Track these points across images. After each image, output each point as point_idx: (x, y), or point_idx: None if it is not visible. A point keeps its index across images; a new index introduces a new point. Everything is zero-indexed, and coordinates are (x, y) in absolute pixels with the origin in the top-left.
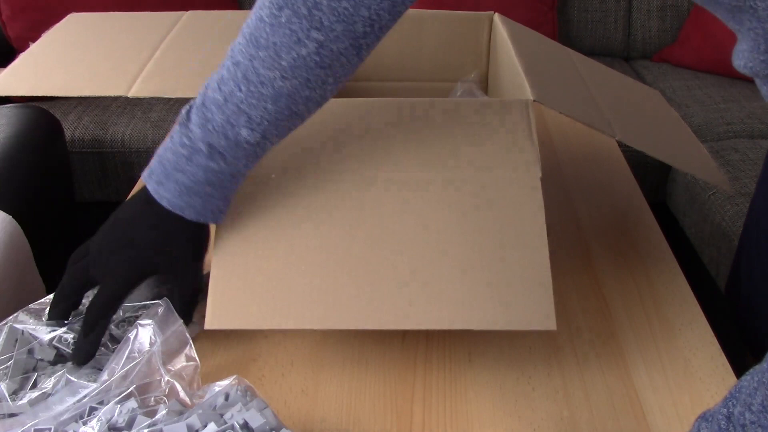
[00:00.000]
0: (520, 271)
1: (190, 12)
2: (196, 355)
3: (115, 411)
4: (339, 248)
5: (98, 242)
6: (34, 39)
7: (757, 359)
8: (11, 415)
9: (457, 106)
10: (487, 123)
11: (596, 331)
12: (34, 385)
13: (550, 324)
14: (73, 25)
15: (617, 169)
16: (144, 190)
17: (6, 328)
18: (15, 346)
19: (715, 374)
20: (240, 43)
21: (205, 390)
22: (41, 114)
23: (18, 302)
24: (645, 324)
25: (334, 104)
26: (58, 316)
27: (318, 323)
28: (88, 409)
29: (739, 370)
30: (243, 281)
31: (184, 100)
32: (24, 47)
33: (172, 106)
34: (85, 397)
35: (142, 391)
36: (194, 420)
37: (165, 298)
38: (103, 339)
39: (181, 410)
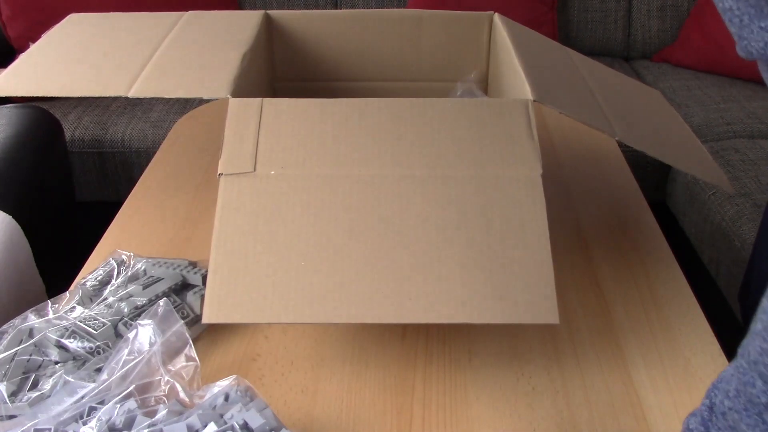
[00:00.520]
0: (521, 265)
1: (190, 12)
2: (196, 355)
3: (115, 411)
4: (338, 243)
5: None
6: (34, 39)
7: None
8: (10, 417)
9: (458, 105)
10: (487, 122)
11: (596, 331)
12: (34, 386)
13: (553, 318)
14: (73, 25)
15: (617, 169)
16: None
17: (13, 329)
18: (19, 344)
19: (715, 374)
20: None
21: (205, 390)
22: (41, 114)
23: (18, 302)
24: (645, 324)
25: (334, 104)
26: None
27: (317, 317)
28: (87, 409)
29: None
30: (242, 276)
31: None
32: (24, 47)
33: (172, 106)
34: (84, 397)
35: (142, 391)
36: (194, 420)
37: (165, 299)
38: (102, 340)
39: (181, 410)
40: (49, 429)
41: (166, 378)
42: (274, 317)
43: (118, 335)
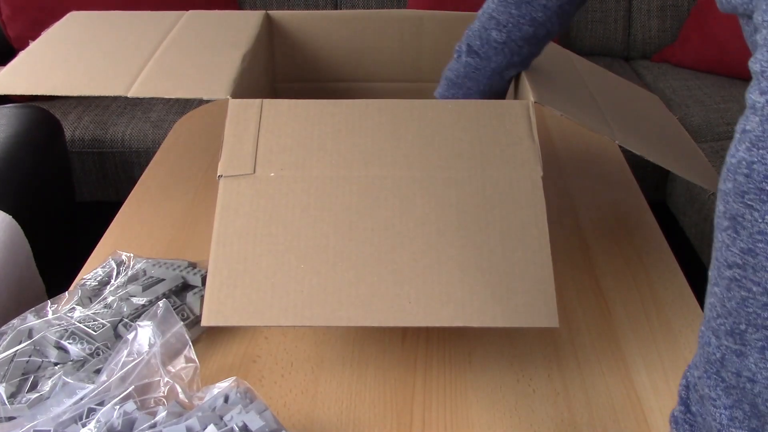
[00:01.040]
0: (521, 268)
1: (190, 12)
2: (195, 357)
3: (114, 412)
4: (338, 246)
5: None
6: (34, 38)
7: None
8: (9, 418)
9: (458, 106)
10: (488, 123)
11: (596, 332)
12: (33, 388)
13: (553, 321)
14: (72, 23)
15: (617, 169)
16: None
17: (12, 329)
18: (18, 346)
19: None
20: None
21: (205, 391)
22: (41, 114)
23: (18, 302)
24: (645, 324)
25: (334, 105)
26: None
27: (316, 320)
28: (86, 410)
29: None
30: (241, 278)
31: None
32: (24, 47)
33: (172, 106)
34: (83, 398)
35: (142, 392)
36: (194, 422)
37: (164, 300)
38: (102, 341)
39: (180, 412)
40: (49, 430)
41: (166, 379)
42: (273, 320)
43: (118, 336)
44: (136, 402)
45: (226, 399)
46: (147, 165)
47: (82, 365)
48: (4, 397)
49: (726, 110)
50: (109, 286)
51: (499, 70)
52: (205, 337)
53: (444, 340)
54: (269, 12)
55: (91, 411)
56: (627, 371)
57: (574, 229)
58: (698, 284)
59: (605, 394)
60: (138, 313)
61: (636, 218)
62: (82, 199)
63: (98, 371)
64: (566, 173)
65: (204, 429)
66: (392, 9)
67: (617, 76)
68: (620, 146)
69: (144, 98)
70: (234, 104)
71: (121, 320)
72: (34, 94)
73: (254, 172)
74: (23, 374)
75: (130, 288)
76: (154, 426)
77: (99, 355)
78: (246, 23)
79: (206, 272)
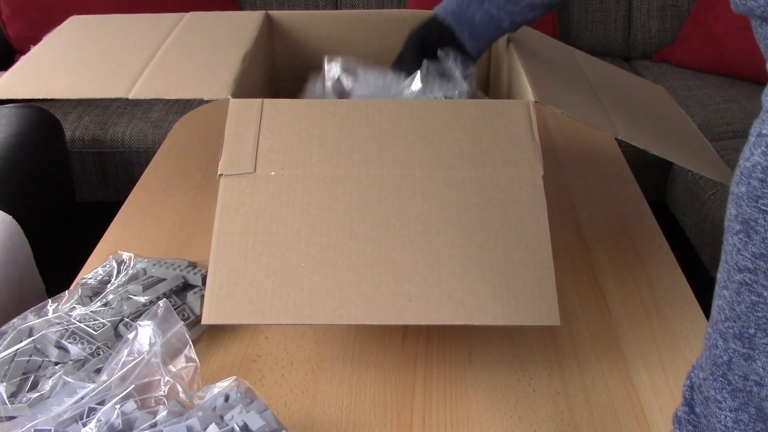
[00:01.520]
0: (522, 267)
1: (190, 13)
2: (195, 356)
3: (115, 412)
4: (338, 244)
5: None
6: (34, 39)
7: None
8: (10, 418)
9: (458, 106)
10: (488, 123)
11: (596, 331)
12: (33, 387)
13: (554, 319)
14: (74, 27)
15: (617, 169)
16: None
17: (13, 329)
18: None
19: None
20: None
21: (206, 391)
22: (41, 114)
23: (18, 302)
24: (645, 324)
25: (334, 104)
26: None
27: (317, 319)
28: (87, 409)
29: None
30: (241, 277)
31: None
32: (24, 47)
33: (172, 106)
34: (84, 397)
35: (142, 391)
36: (194, 422)
37: (165, 300)
38: (102, 341)
39: (181, 411)
40: (49, 430)
41: (166, 378)
42: (273, 318)
43: (118, 336)
44: (136, 401)
45: (227, 398)
46: (147, 165)
47: (83, 365)
48: (5, 397)
49: (726, 110)
50: (109, 285)
51: None
52: (206, 336)
53: (444, 339)
54: (269, 12)
55: (91, 410)
56: (627, 371)
57: (574, 229)
58: (698, 284)
59: (605, 393)
60: (138, 313)
61: (636, 218)
62: (82, 199)
63: (99, 371)
64: (566, 173)
65: (204, 429)
66: (392, 9)
67: (620, 69)
68: (621, 145)
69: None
70: (234, 104)
71: (121, 320)
72: (37, 98)
73: (255, 171)
74: (24, 374)
75: (131, 287)
76: (154, 425)
77: (99, 354)
78: (246, 23)
79: (206, 272)
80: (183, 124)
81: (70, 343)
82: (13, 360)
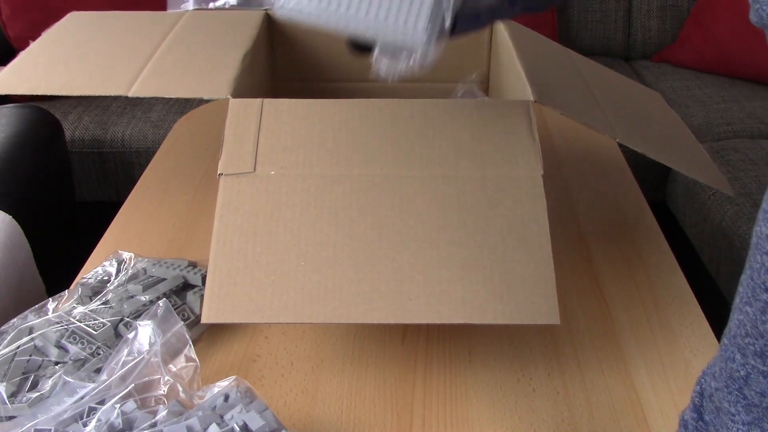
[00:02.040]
0: (522, 266)
1: (190, 11)
2: (195, 356)
3: (115, 412)
4: (338, 244)
5: None
6: (34, 38)
7: None
8: (10, 418)
9: (458, 106)
10: (488, 123)
11: (596, 331)
12: (33, 387)
13: (554, 318)
14: (73, 23)
15: (617, 169)
16: None
17: (13, 329)
18: (19, 345)
19: None
20: None
21: (205, 390)
22: (41, 114)
23: (18, 302)
24: (645, 324)
25: (334, 104)
26: None
27: (316, 317)
28: (87, 409)
29: None
30: (241, 276)
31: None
32: (24, 47)
33: (172, 106)
34: (84, 397)
35: (142, 391)
36: (194, 422)
37: (165, 299)
38: (102, 340)
39: (181, 411)
40: (49, 429)
41: (166, 378)
42: (273, 317)
43: (118, 336)
44: (136, 401)
45: (227, 398)
46: (147, 165)
47: (83, 364)
48: (5, 397)
49: (726, 110)
50: (109, 285)
51: None
52: (206, 336)
53: (444, 339)
54: (269, 12)
55: (91, 410)
56: (627, 371)
57: (574, 229)
58: (698, 284)
59: (605, 393)
60: (138, 313)
61: (636, 218)
62: (82, 199)
63: (99, 370)
64: (566, 173)
65: (205, 429)
66: None
67: (618, 73)
68: (621, 145)
69: (144, 98)
70: (234, 103)
71: (121, 320)
72: (35, 94)
73: (254, 170)
74: (24, 373)
75: (131, 287)
76: (154, 425)
77: (99, 354)
78: (246, 23)
79: (206, 271)
80: (183, 124)
81: (70, 342)
82: (13, 360)
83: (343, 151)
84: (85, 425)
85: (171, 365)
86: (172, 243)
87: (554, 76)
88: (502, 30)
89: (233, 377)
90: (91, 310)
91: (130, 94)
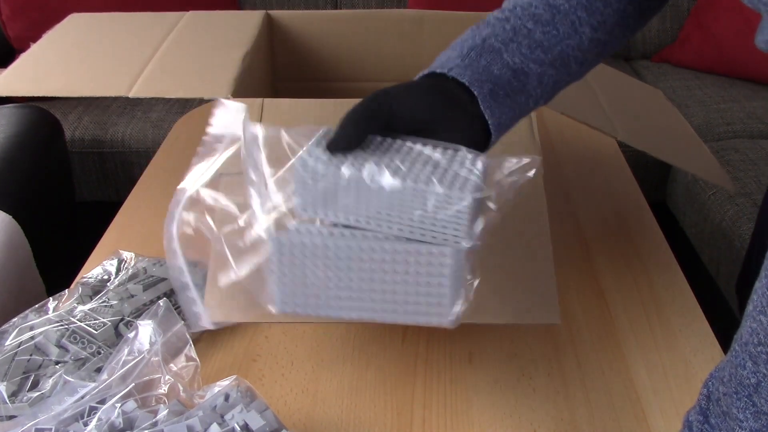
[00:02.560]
0: (522, 265)
1: (190, 12)
2: (196, 355)
3: (115, 411)
4: None
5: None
6: (34, 38)
7: None
8: (10, 417)
9: None
10: None
11: (596, 332)
12: (34, 386)
13: (554, 318)
14: (74, 25)
15: (617, 169)
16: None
17: (13, 328)
18: (20, 345)
19: None
20: None
21: (206, 390)
22: (41, 114)
23: (18, 302)
24: (645, 324)
25: (334, 104)
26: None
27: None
28: (87, 408)
29: None
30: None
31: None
32: (24, 47)
33: (172, 106)
34: (84, 396)
35: (143, 390)
36: (195, 422)
37: (165, 299)
38: (102, 340)
39: (181, 410)
40: (50, 429)
41: (167, 377)
42: (273, 316)
43: (119, 335)
44: (136, 400)
45: (227, 398)
46: (147, 165)
47: (83, 364)
48: (6, 396)
49: (726, 110)
50: (109, 284)
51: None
52: (206, 336)
53: (444, 339)
54: (269, 12)
55: (92, 409)
56: (627, 371)
57: (574, 229)
58: (698, 284)
59: (605, 393)
60: (139, 312)
61: (636, 218)
62: (82, 199)
63: (99, 370)
64: (566, 173)
65: (205, 428)
66: (392, 9)
67: (618, 71)
68: (621, 145)
69: (144, 98)
70: None
71: (122, 319)
72: (37, 95)
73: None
74: (24, 373)
75: (131, 287)
76: (155, 424)
77: (100, 353)
78: (246, 23)
79: (207, 271)
80: (183, 124)
81: (70, 342)
82: (13, 359)
83: None
84: (85, 424)
85: (171, 365)
86: None
87: None
88: None
89: (234, 377)
90: (91, 310)
91: (131, 95)
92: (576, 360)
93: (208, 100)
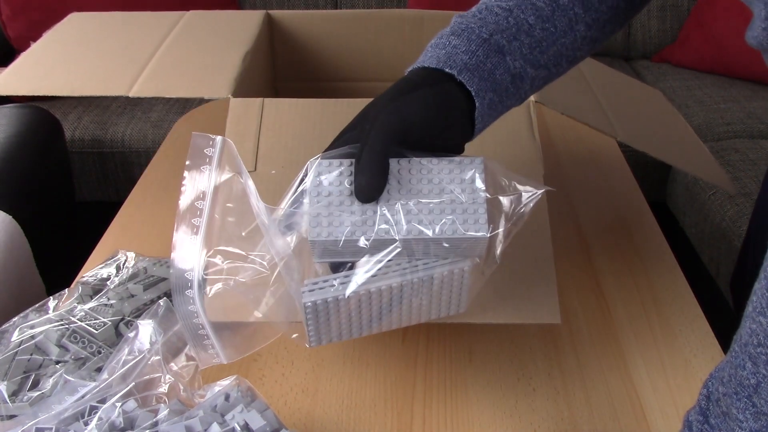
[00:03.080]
0: (522, 265)
1: (190, 12)
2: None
3: (115, 410)
4: None
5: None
6: (34, 38)
7: None
8: (11, 417)
9: None
10: None
11: (596, 332)
12: (34, 386)
13: (554, 317)
14: (74, 24)
15: (617, 169)
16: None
17: (13, 328)
18: (20, 344)
19: None
20: None
21: (206, 389)
22: (41, 114)
23: (18, 302)
24: (645, 324)
25: (334, 104)
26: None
27: None
28: (88, 408)
29: None
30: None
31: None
32: (24, 47)
33: (172, 106)
34: (85, 396)
35: (143, 389)
36: (195, 421)
37: (165, 298)
38: (103, 339)
39: (182, 410)
40: (50, 428)
41: (167, 377)
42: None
43: (119, 335)
44: (137, 400)
45: (227, 397)
46: (147, 165)
47: (84, 363)
48: (6, 396)
49: (726, 110)
50: (109, 284)
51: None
52: None
53: (444, 338)
54: (269, 12)
55: (92, 409)
56: (627, 370)
57: (574, 228)
58: (698, 284)
59: (605, 393)
60: (139, 312)
61: (636, 218)
62: (82, 199)
63: (99, 369)
64: (566, 173)
65: (205, 428)
66: (392, 9)
67: (618, 72)
68: (621, 145)
69: (144, 98)
70: (235, 103)
71: (122, 319)
72: (37, 94)
73: (255, 169)
74: (25, 372)
75: (131, 286)
76: (155, 424)
77: (100, 353)
78: (246, 23)
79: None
80: (183, 124)
81: (71, 341)
82: (14, 359)
83: None
84: (86, 424)
85: (172, 364)
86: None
87: None
88: None
89: (234, 376)
90: (91, 309)
91: (131, 95)
92: (576, 360)
93: (208, 100)
